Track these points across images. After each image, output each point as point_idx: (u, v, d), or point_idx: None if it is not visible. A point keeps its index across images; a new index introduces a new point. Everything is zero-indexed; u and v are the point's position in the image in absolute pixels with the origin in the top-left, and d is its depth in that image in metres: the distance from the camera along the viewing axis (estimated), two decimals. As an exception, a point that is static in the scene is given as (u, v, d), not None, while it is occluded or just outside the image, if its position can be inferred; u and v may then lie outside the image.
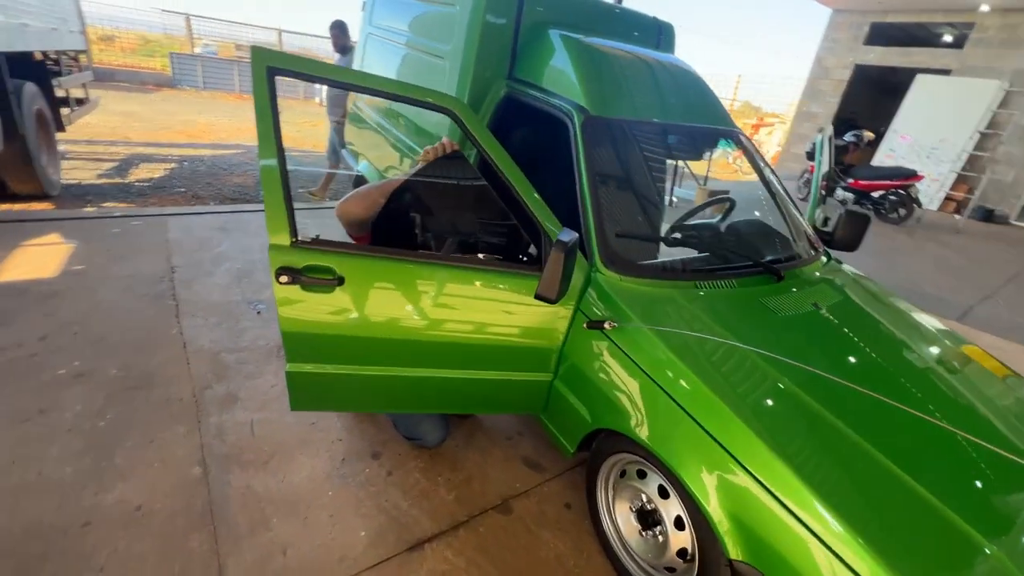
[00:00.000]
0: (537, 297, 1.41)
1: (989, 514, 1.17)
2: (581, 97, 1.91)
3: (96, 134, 6.62)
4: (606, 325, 1.47)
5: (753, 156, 2.33)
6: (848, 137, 7.71)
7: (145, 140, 6.75)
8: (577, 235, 1.42)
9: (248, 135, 7.93)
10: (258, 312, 2.87)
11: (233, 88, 12.44)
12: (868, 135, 7.85)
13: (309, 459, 1.92)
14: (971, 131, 8.17)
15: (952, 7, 8.55)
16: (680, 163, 2.94)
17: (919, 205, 7.17)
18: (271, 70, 1.28)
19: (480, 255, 1.63)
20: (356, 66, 3.61)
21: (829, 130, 3.02)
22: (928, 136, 8.76)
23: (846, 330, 1.69)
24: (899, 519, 1.11)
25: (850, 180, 7.51)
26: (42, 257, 3.15)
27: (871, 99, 11.00)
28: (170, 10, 12.31)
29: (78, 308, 2.68)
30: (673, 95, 2.18)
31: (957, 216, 7.82)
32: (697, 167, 6.12)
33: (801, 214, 2.37)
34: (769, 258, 1.96)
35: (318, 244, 1.40)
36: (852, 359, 1.56)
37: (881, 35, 9.72)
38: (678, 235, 1.94)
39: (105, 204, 4.29)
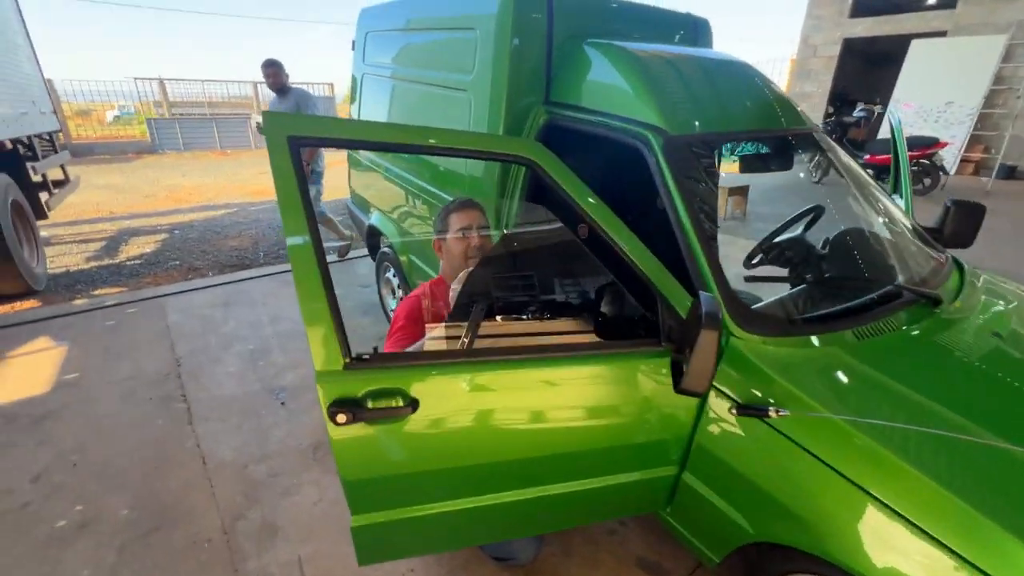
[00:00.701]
0: (681, 391, 1.05)
1: None
2: (653, 115, 1.56)
3: (80, 213, 6.30)
4: (771, 414, 1.10)
5: (837, 154, 1.99)
6: (858, 113, 7.44)
7: (131, 212, 6.43)
8: (716, 300, 1.07)
9: (236, 192, 7.63)
10: (282, 403, 2.50)
11: (214, 145, 12.22)
12: (876, 108, 7.58)
13: (379, 604, 1.54)
14: (984, 89, 7.89)
15: (936, -32, 8.38)
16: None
17: (945, 172, 6.85)
18: (294, 140, 0.93)
19: (577, 332, 1.27)
20: (354, 112, 3.29)
21: (898, 110, 2.70)
22: (933, 101, 8.47)
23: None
24: None
25: (866, 156, 7.21)
26: (30, 369, 2.78)
27: (860, 71, 10.78)
28: (143, 77, 12.09)
29: (75, 430, 2.30)
30: (747, 99, 1.85)
31: (984, 179, 7.51)
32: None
33: (905, 213, 2.03)
34: (904, 278, 1.60)
35: (381, 360, 1.04)
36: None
37: (866, 7, 9.52)
38: (807, 270, 1.58)
39: (96, 292, 3.93)
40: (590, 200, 1.17)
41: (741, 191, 5.84)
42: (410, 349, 1.34)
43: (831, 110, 9.11)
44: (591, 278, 1.43)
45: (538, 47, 1.92)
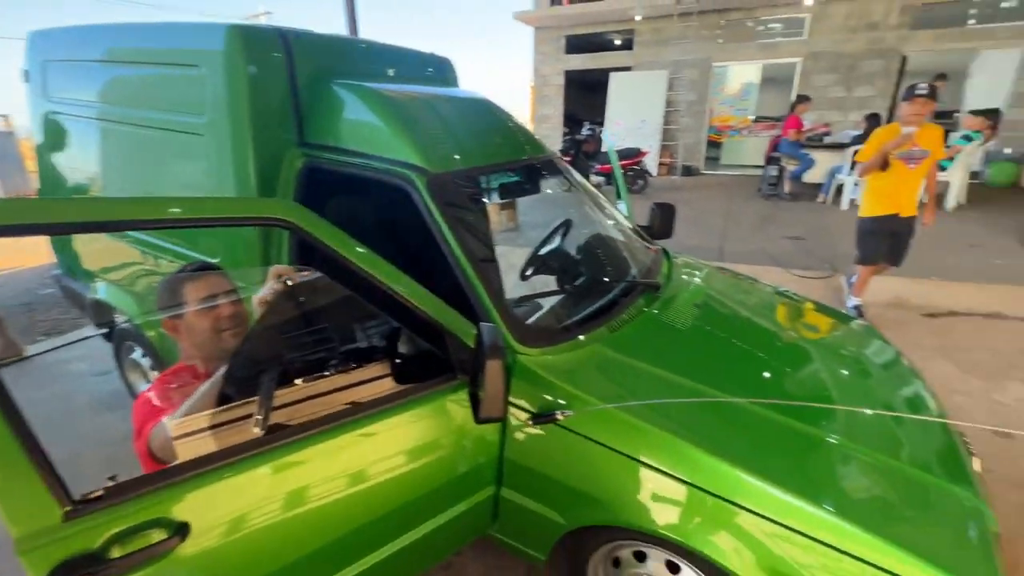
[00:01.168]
0: (482, 421, 1.10)
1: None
2: (412, 155, 1.62)
3: None
4: (559, 416, 1.24)
5: (571, 176, 2.38)
6: (586, 131, 9.02)
7: None
8: (496, 327, 1.16)
9: None
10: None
11: None
12: (598, 128, 9.30)
13: None
14: (661, 110, 10.43)
15: (616, 19, 10.73)
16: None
17: (650, 175, 8.81)
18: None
19: (376, 379, 1.23)
20: (43, 160, 2.56)
21: (609, 130, 3.35)
22: (632, 119, 10.83)
23: (731, 323, 1.82)
24: (893, 497, 1.18)
25: (598, 166, 8.80)
26: None
27: (584, 96, 13.13)
28: None
29: None
30: (496, 133, 2.06)
31: (674, 177, 9.92)
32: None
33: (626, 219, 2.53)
34: (637, 270, 2.00)
35: (129, 490, 0.82)
36: (759, 352, 1.67)
37: (577, 45, 11.63)
38: (551, 278, 1.82)
39: None
40: (361, 253, 1.14)
41: (511, 205, 6.50)
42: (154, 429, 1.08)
43: (567, 130, 10.88)
44: (377, 326, 1.40)
45: (281, 87, 1.79)
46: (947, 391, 2.79)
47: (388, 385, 1.33)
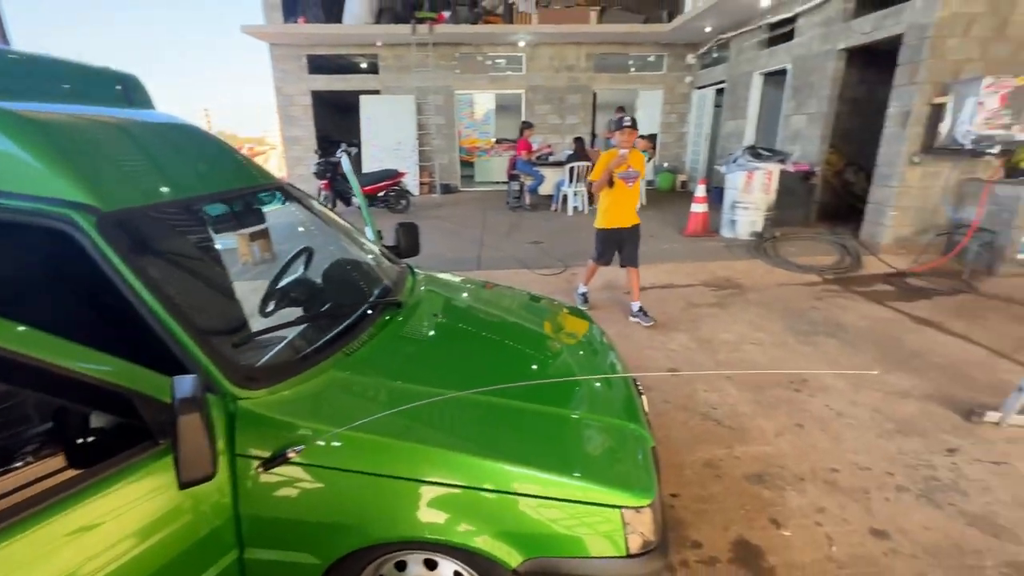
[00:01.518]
0: (186, 485, 0.99)
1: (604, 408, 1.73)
2: (73, 191, 1.34)
3: None
4: (290, 455, 1.20)
5: (307, 203, 2.32)
6: (339, 153, 8.77)
7: None
8: (196, 377, 1.06)
9: None
10: None
11: None
12: (353, 149, 9.16)
13: None
14: (414, 133, 10.87)
15: (358, 43, 10.77)
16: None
17: (411, 194, 9.10)
18: None
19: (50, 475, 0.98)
20: None
21: (346, 153, 3.36)
22: (388, 141, 11.03)
23: (470, 326, 2.03)
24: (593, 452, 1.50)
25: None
26: None
27: (337, 117, 12.75)
28: None
29: None
30: (197, 161, 1.85)
31: (434, 195, 10.45)
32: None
33: (370, 241, 2.59)
34: (380, 289, 2.05)
35: None
36: (495, 349, 1.89)
37: (321, 66, 11.21)
38: (296, 310, 1.75)
39: None
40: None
41: (263, 234, 5.89)
42: None
43: (320, 152, 10.41)
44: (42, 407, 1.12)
45: None
46: (641, 348, 3.67)
47: (71, 472, 1.08)
